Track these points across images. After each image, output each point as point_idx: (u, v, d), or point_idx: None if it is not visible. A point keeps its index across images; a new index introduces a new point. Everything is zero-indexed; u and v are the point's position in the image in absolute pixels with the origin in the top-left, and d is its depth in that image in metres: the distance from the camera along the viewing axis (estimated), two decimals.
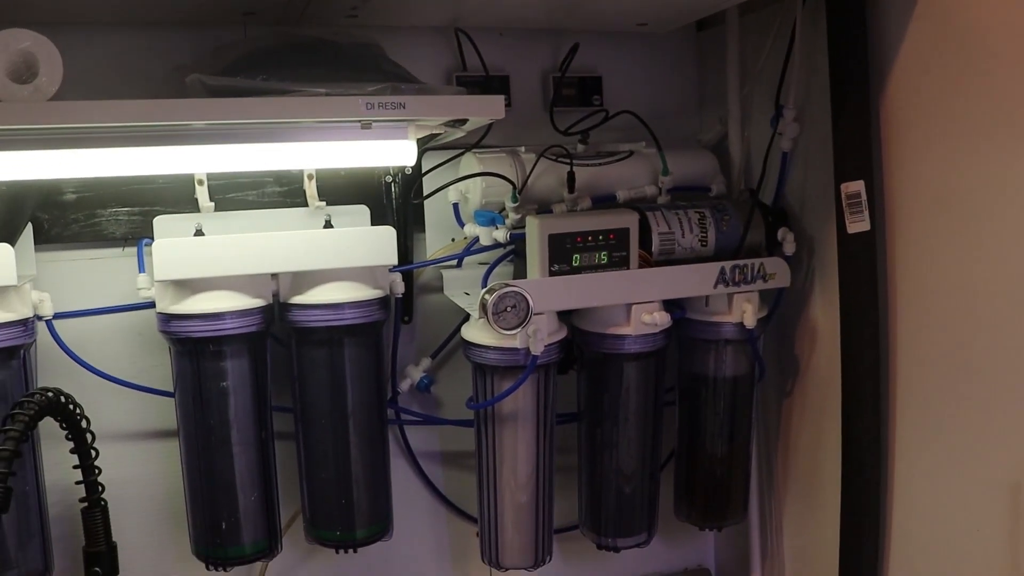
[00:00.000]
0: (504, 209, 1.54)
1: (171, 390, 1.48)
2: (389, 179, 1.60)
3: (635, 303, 1.49)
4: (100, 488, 1.38)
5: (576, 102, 1.73)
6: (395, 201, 1.61)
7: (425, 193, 1.61)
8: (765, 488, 1.80)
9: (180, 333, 1.40)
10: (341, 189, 1.57)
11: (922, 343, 1.41)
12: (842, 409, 1.51)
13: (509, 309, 1.38)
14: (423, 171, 1.61)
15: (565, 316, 1.56)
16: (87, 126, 1.11)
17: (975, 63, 1.27)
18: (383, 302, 1.49)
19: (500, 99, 1.23)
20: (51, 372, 1.47)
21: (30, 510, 1.40)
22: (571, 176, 1.54)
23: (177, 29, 1.52)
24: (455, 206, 1.61)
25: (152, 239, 1.47)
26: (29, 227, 1.45)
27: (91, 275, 1.53)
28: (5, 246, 1.30)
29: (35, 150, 1.14)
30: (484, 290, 1.40)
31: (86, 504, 1.38)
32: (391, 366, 1.66)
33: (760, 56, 1.65)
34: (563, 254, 1.44)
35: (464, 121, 1.30)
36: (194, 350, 1.42)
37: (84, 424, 1.32)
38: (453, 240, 1.66)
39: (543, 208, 1.57)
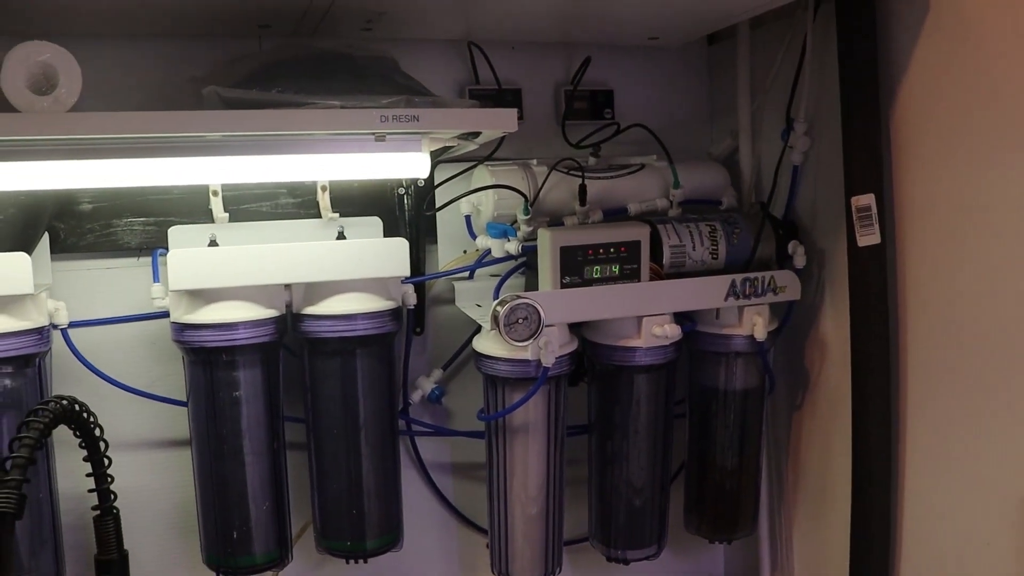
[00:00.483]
0: (516, 222, 1.55)
1: (184, 399, 1.49)
2: (401, 191, 1.61)
3: (646, 315, 1.50)
4: (112, 496, 1.38)
5: (588, 115, 1.74)
6: (407, 213, 1.62)
7: (438, 205, 1.62)
8: (775, 501, 1.80)
9: (194, 343, 1.41)
10: (354, 201, 1.58)
11: (932, 356, 1.42)
12: (852, 422, 1.51)
13: (521, 321, 1.39)
14: (435, 183, 1.61)
15: (576, 328, 1.57)
16: (105, 137, 1.13)
17: (985, 76, 1.28)
18: (395, 313, 1.50)
19: (513, 112, 1.24)
20: (65, 380, 1.48)
21: (43, 518, 1.40)
22: (583, 189, 1.55)
23: (193, 41, 1.54)
24: (467, 218, 1.62)
25: (167, 249, 1.48)
26: (45, 236, 1.46)
27: (106, 284, 1.54)
28: (22, 255, 1.31)
29: (53, 160, 1.15)
30: (496, 302, 1.40)
31: (98, 512, 1.38)
32: (403, 377, 1.67)
33: (771, 70, 1.66)
34: (575, 266, 1.45)
35: (477, 134, 1.31)
36: (207, 360, 1.43)
37: (98, 432, 1.32)
38: (465, 252, 1.67)
39: (555, 221, 1.57)
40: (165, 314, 1.45)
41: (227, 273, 1.39)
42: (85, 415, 1.30)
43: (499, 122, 1.24)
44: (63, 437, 1.35)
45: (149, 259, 1.51)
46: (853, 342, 1.50)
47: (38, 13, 1.32)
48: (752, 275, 1.54)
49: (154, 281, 1.47)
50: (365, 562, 1.54)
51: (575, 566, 1.85)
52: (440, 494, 1.79)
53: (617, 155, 1.67)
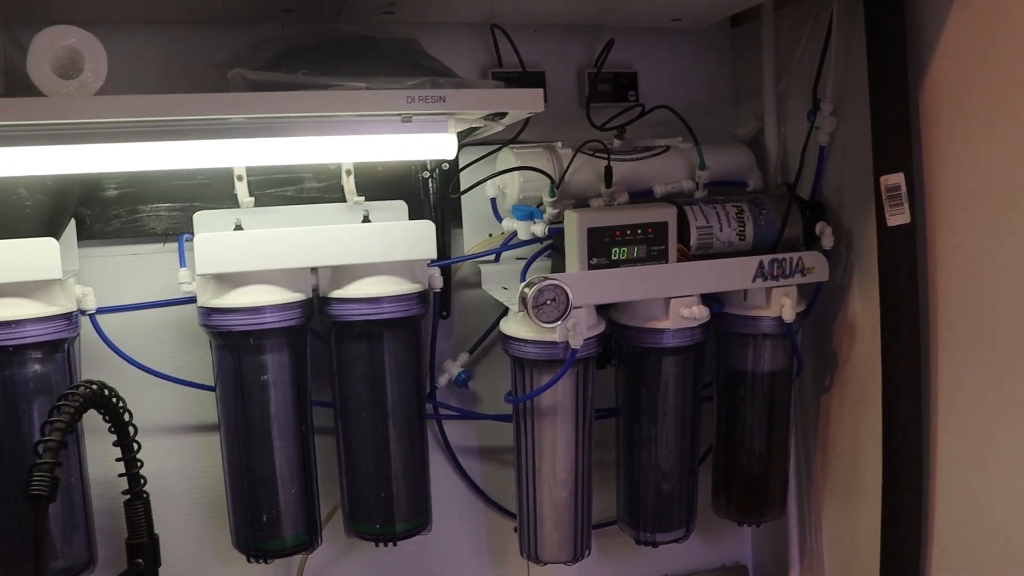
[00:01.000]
0: (541, 204, 1.54)
1: (211, 384, 1.50)
2: (426, 175, 1.61)
3: (674, 297, 1.49)
4: (142, 481, 1.39)
5: (611, 98, 1.73)
6: (432, 197, 1.62)
7: (463, 188, 1.61)
8: (803, 483, 1.79)
9: (221, 327, 1.41)
10: (378, 185, 1.58)
11: (963, 336, 1.40)
12: (883, 403, 1.50)
13: (549, 302, 1.39)
14: (460, 167, 1.61)
15: (603, 310, 1.57)
16: (131, 120, 1.12)
17: (1016, 53, 1.26)
18: (422, 296, 1.50)
19: (539, 92, 1.23)
20: (93, 366, 1.49)
21: (75, 502, 1.41)
22: (608, 170, 1.54)
23: (215, 26, 1.54)
24: (493, 201, 1.61)
25: (192, 234, 1.48)
26: (72, 223, 1.46)
27: (132, 270, 1.54)
28: (51, 240, 1.32)
29: (80, 144, 1.15)
30: (523, 283, 1.40)
31: (128, 497, 1.39)
32: (429, 361, 1.67)
33: (796, 50, 1.64)
34: (602, 248, 1.44)
35: (503, 115, 1.30)
36: (235, 344, 1.43)
37: (127, 417, 1.33)
38: (490, 235, 1.67)
39: (580, 203, 1.57)
40: (192, 299, 1.46)
41: (254, 257, 1.39)
42: (114, 400, 1.30)
43: (526, 102, 1.24)
44: (92, 424, 1.36)
45: (175, 244, 1.52)
46: (883, 323, 1.49)
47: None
48: (780, 256, 1.53)
49: (181, 266, 1.47)
50: (394, 545, 1.54)
51: (603, 549, 1.85)
52: (468, 478, 1.79)
53: (641, 137, 1.66)
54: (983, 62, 1.31)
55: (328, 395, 1.55)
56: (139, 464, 1.37)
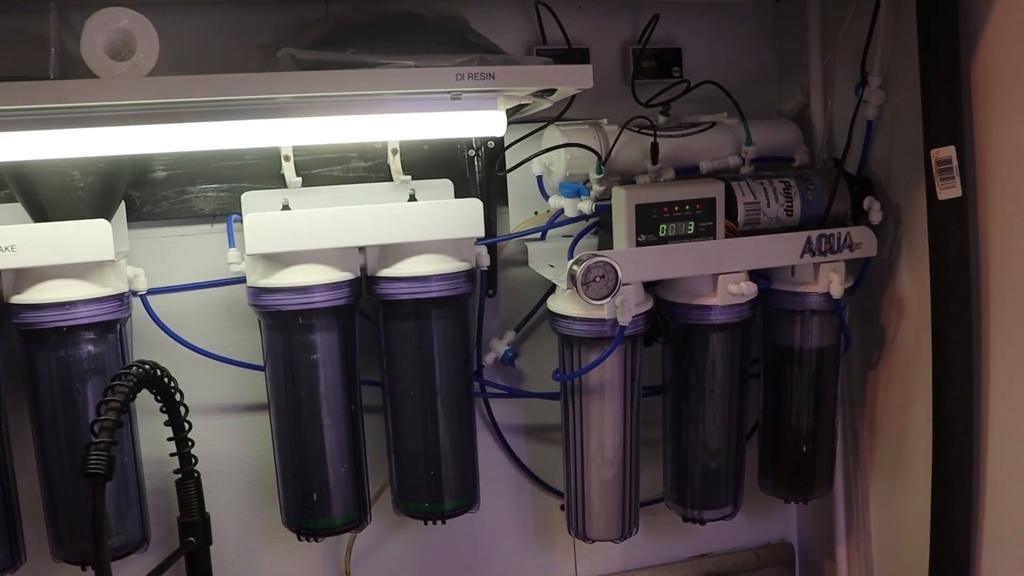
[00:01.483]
0: (588, 181, 1.53)
1: (261, 364, 1.51)
2: (472, 153, 1.61)
3: (721, 273, 1.48)
4: (194, 460, 1.41)
5: (656, 74, 1.72)
6: (478, 175, 1.62)
7: (509, 166, 1.61)
8: (851, 461, 1.79)
9: (270, 307, 1.42)
10: (424, 164, 1.58)
11: (1015, 311, 1.39)
12: (933, 380, 1.49)
13: (598, 279, 1.38)
14: (506, 145, 1.61)
15: (650, 287, 1.56)
16: (182, 101, 1.13)
17: None
18: (469, 275, 1.50)
19: (588, 68, 1.22)
20: (144, 346, 1.50)
21: (128, 481, 1.43)
22: (655, 147, 1.53)
23: (260, 8, 1.54)
24: (539, 179, 1.61)
25: (240, 215, 1.49)
26: (122, 204, 1.47)
27: (181, 251, 1.56)
28: (103, 221, 1.33)
29: (132, 125, 1.15)
30: (572, 261, 1.40)
31: (180, 476, 1.41)
32: (476, 339, 1.67)
33: (843, 22, 1.62)
34: (650, 224, 1.44)
35: (552, 91, 1.30)
36: (284, 324, 1.44)
37: (178, 397, 1.34)
38: (536, 213, 1.66)
39: (626, 180, 1.56)
40: (241, 279, 1.47)
41: (303, 236, 1.40)
42: (166, 380, 1.32)
43: (575, 78, 1.23)
44: (144, 404, 1.38)
45: (223, 225, 1.53)
46: (933, 298, 1.47)
47: None
48: (828, 232, 1.52)
49: (230, 246, 1.48)
50: (443, 523, 1.55)
51: (650, 527, 1.84)
52: (514, 456, 1.79)
53: (686, 114, 1.65)
54: None
55: (376, 374, 1.55)
56: (190, 443, 1.39)
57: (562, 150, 1.52)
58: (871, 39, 1.55)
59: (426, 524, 1.56)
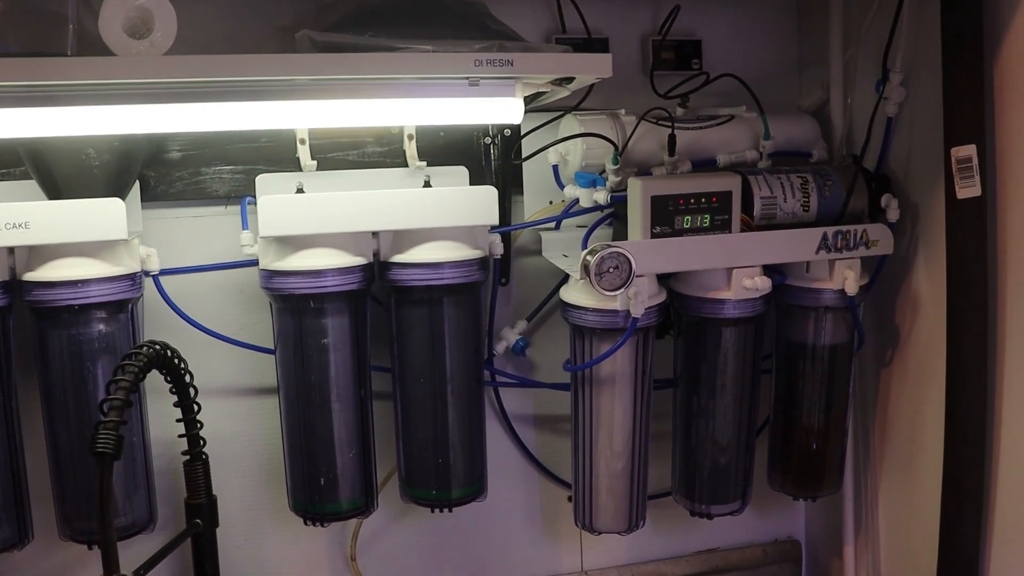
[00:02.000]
0: (604, 171, 1.53)
1: (272, 347, 1.50)
2: (488, 140, 1.60)
3: (736, 267, 1.48)
4: (202, 442, 1.40)
5: (675, 66, 1.71)
6: (494, 163, 1.61)
7: (525, 155, 1.60)
8: (861, 459, 1.78)
9: (282, 290, 1.42)
10: (440, 150, 1.58)
11: None
12: (946, 380, 1.48)
13: (611, 270, 1.38)
14: (522, 133, 1.60)
15: (664, 280, 1.56)
16: (199, 80, 1.13)
17: None
18: (482, 263, 1.49)
19: (607, 57, 1.22)
20: (155, 327, 1.50)
21: (136, 461, 1.43)
22: (672, 139, 1.52)
23: None
24: (555, 168, 1.60)
25: (254, 197, 1.48)
26: (136, 184, 1.47)
27: (194, 232, 1.55)
28: (116, 200, 1.33)
29: (149, 104, 1.15)
30: (586, 251, 1.39)
31: (188, 457, 1.41)
32: (488, 328, 1.67)
33: (865, 19, 1.61)
34: (665, 216, 1.43)
35: (570, 80, 1.29)
36: (295, 307, 1.44)
37: (188, 379, 1.34)
38: (551, 203, 1.66)
39: (643, 171, 1.55)
40: (254, 262, 1.46)
41: (318, 220, 1.39)
42: (176, 361, 1.31)
43: (594, 67, 1.22)
44: (154, 384, 1.38)
45: (237, 207, 1.53)
46: (949, 298, 1.46)
47: None
48: (844, 228, 1.51)
49: (243, 228, 1.48)
50: (450, 511, 1.55)
51: (657, 520, 1.84)
52: (523, 446, 1.79)
53: (705, 106, 1.64)
54: None
55: (387, 360, 1.55)
56: (199, 425, 1.39)
57: (579, 140, 1.52)
58: (893, 35, 1.54)
59: (433, 512, 1.56)
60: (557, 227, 1.64)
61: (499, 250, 1.53)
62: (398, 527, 1.74)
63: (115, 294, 1.36)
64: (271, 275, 1.42)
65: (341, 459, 1.49)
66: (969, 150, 1.40)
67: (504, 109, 1.27)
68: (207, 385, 1.46)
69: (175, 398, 1.35)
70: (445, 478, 1.53)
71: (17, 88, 1.10)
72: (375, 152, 1.58)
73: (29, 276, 1.34)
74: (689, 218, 1.44)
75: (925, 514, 1.56)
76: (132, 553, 1.41)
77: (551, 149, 1.57)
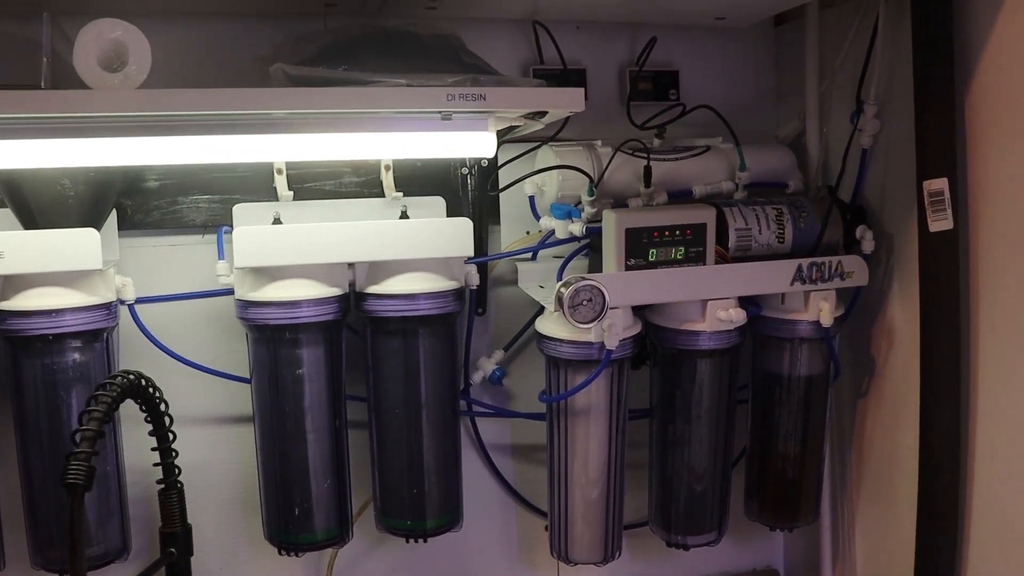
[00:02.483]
0: (580, 203, 1.53)
1: (247, 376, 1.50)
2: (465, 171, 1.61)
3: (711, 299, 1.48)
4: (177, 471, 1.40)
5: (652, 96, 1.72)
6: (471, 193, 1.62)
7: (501, 186, 1.61)
8: (838, 489, 1.78)
9: (258, 320, 1.42)
10: (417, 180, 1.58)
11: (1004, 344, 1.38)
12: (920, 411, 1.48)
13: (585, 303, 1.38)
14: (499, 164, 1.61)
15: (639, 311, 1.56)
16: (173, 114, 1.13)
17: None
18: (458, 294, 1.50)
19: (580, 92, 1.23)
20: (131, 356, 1.50)
21: (110, 490, 1.42)
22: (647, 170, 1.53)
23: (257, 21, 1.54)
24: (531, 199, 1.61)
25: (231, 226, 1.49)
26: (113, 213, 1.48)
27: (171, 261, 1.55)
28: (91, 230, 1.32)
29: (123, 137, 1.16)
30: (560, 283, 1.39)
31: (163, 486, 1.40)
32: (464, 358, 1.67)
33: (840, 51, 1.63)
34: (639, 248, 1.44)
35: (544, 113, 1.29)
36: (271, 337, 1.44)
37: (163, 407, 1.34)
38: (528, 233, 1.67)
39: (619, 202, 1.56)
40: (230, 291, 1.46)
41: (292, 251, 1.40)
42: (151, 390, 1.31)
43: (566, 101, 1.23)
44: (129, 413, 1.37)
45: (214, 236, 1.53)
46: (923, 329, 1.47)
47: None
48: (819, 260, 1.52)
49: (219, 258, 1.48)
50: (425, 541, 1.54)
51: (634, 551, 1.84)
52: (500, 475, 1.78)
53: (682, 137, 1.65)
54: None
55: (362, 390, 1.55)
56: (174, 454, 1.38)
57: (555, 171, 1.52)
58: (867, 67, 1.55)
59: (408, 542, 1.55)
60: (534, 258, 1.65)
61: (475, 281, 1.53)
62: (374, 557, 1.74)
63: (90, 323, 1.36)
64: (246, 305, 1.42)
65: (316, 488, 1.48)
66: (941, 183, 1.41)
67: (477, 143, 1.28)
68: (183, 414, 1.45)
69: (150, 427, 1.35)
70: (420, 508, 1.53)
71: None
72: (352, 182, 1.59)
73: (3, 305, 1.33)
74: (663, 250, 1.45)
75: (902, 543, 1.57)
76: None
77: (527, 180, 1.58)
